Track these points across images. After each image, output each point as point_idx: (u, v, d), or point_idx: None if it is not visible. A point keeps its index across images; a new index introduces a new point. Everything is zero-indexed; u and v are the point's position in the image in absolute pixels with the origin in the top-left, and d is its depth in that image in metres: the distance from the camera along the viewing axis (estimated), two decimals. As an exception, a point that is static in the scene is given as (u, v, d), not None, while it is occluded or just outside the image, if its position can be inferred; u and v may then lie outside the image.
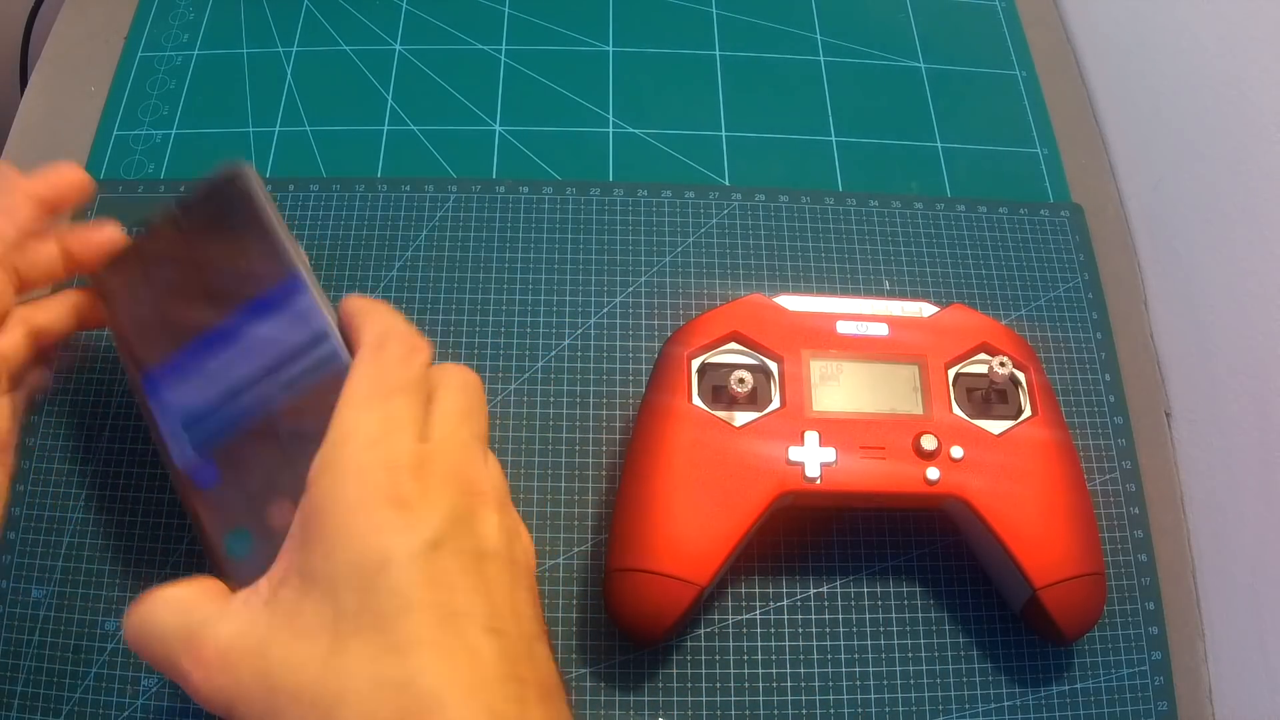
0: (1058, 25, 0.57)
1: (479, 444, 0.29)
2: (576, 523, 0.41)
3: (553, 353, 0.44)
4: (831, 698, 0.38)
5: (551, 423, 0.43)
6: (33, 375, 0.34)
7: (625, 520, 0.36)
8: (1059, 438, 0.38)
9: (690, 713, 0.38)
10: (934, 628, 0.40)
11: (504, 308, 0.45)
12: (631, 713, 0.38)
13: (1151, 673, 0.40)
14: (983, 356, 0.40)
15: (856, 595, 0.40)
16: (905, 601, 0.40)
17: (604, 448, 0.42)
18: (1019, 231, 0.49)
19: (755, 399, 0.38)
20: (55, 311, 0.34)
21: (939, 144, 0.52)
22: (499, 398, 0.43)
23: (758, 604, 0.40)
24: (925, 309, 0.40)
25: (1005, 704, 0.39)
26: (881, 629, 0.40)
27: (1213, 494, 0.43)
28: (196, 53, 0.52)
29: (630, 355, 0.44)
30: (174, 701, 0.36)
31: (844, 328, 0.39)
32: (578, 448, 0.42)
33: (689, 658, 0.39)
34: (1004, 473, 0.37)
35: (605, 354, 0.44)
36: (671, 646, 0.39)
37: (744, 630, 0.39)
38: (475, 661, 0.25)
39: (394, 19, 0.54)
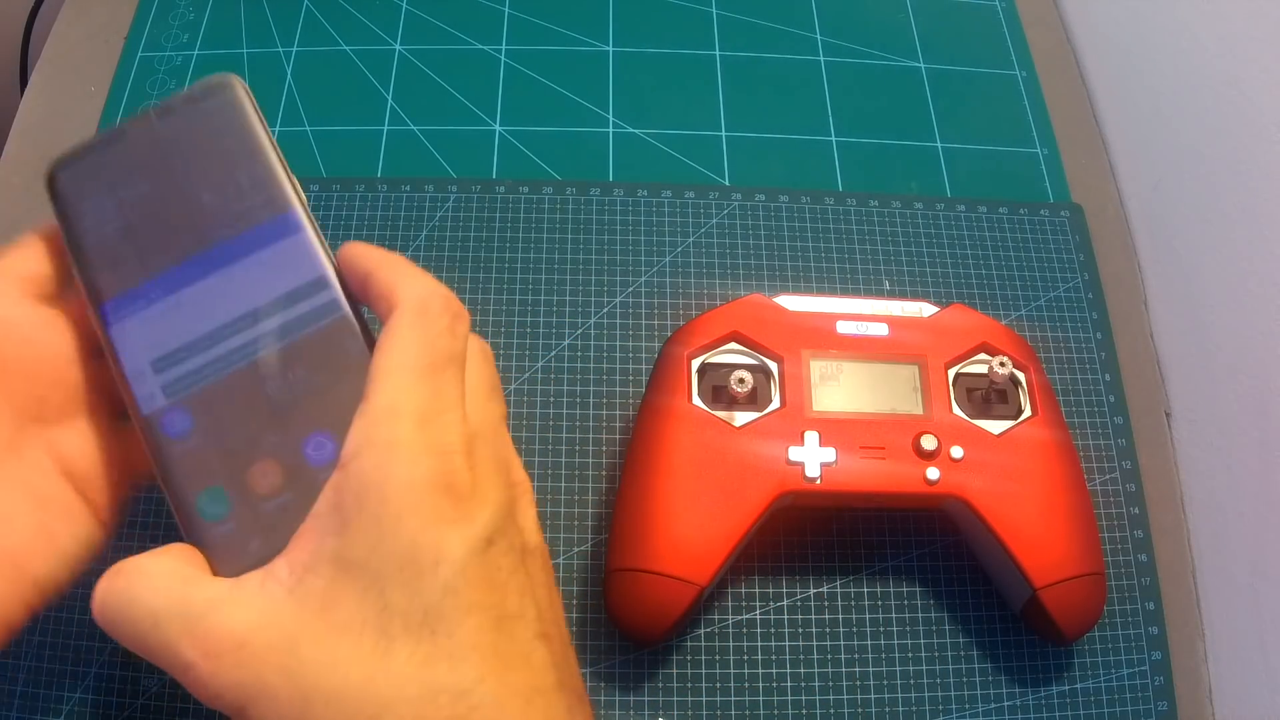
0: (1058, 25, 0.57)
1: (505, 424, 0.27)
2: (576, 523, 0.41)
3: (553, 353, 0.44)
4: (831, 698, 0.38)
5: (551, 423, 0.43)
6: None
7: (625, 520, 0.36)
8: (1059, 438, 0.38)
9: (690, 713, 0.38)
10: (934, 628, 0.40)
11: (504, 308, 0.45)
12: (631, 713, 0.38)
13: (1151, 673, 0.40)
14: (983, 356, 0.40)
15: (856, 595, 0.40)
16: (905, 601, 0.40)
17: (604, 448, 0.42)
18: (1019, 231, 0.49)
19: (755, 399, 0.38)
20: None
21: (939, 144, 0.52)
22: (499, 398, 0.43)
23: (758, 604, 0.40)
24: (925, 309, 0.40)
25: (1005, 704, 0.39)
26: (881, 629, 0.40)
27: (1213, 494, 0.43)
28: (196, 53, 0.52)
29: (630, 355, 0.44)
30: (175, 702, 0.36)
31: (844, 328, 0.39)
32: (578, 448, 0.42)
33: (689, 658, 0.39)
34: (1004, 473, 0.37)
35: (605, 354, 0.44)
36: (671, 646, 0.39)
37: (744, 630, 0.39)
38: (530, 670, 0.23)
39: (394, 19, 0.54)
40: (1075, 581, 0.36)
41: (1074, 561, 0.36)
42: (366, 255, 0.27)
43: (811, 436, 0.37)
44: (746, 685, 0.38)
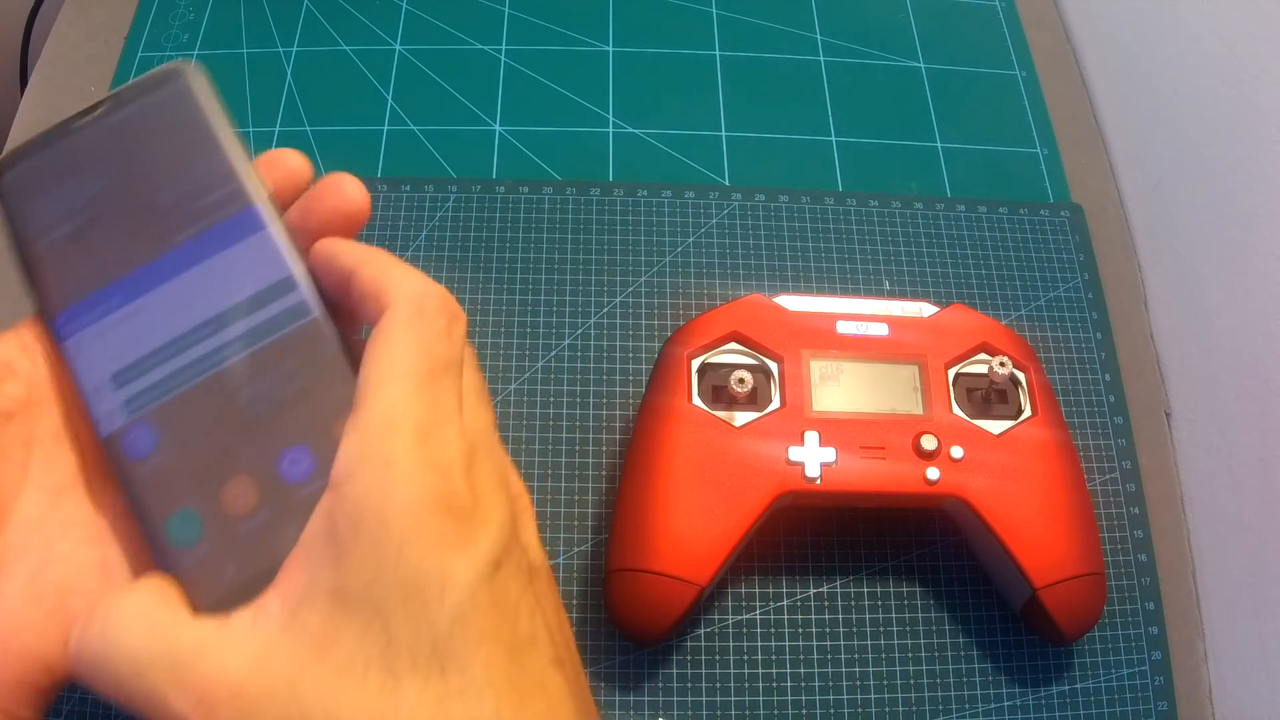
0: (1058, 25, 0.57)
1: (496, 430, 0.25)
2: (576, 523, 0.41)
3: (553, 353, 0.44)
4: (831, 698, 0.38)
5: (551, 423, 0.43)
6: None
7: (625, 520, 0.36)
8: (1059, 438, 0.38)
9: (690, 713, 0.38)
10: (934, 628, 0.40)
11: (504, 308, 0.45)
12: (631, 713, 0.38)
13: (1151, 673, 0.40)
14: (983, 356, 0.40)
15: (856, 595, 0.40)
16: (905, 601, 0.40)
17: (604, 448, 0.42)
18: (1019, 231, 0.49)
19: (755, 399, 0.38)
20: None
21: (939, 144, 0.52)
22: (499, 398, 0.43)
23: (758, 604, 0.40)
24: (925, 309, 0.40)
25: (1005, 704, 0.39)
26: (881, 629, 0.40)
27: (1213, 494, 0.43)
28: (196, 53, 0.52)
29: (630, 355, 0.44)
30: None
31: (844, 328, 0.39)
32: (578, 448, 0.42)
33: (689, 658, 0.39)
34: (1004, 473, 0.37)
35: (605, 354, 0.44)
36: (671, 646, 0.39)
37: (744, 630, 0.39)
38: (547, 699, 0.22)
39: (394, 19, 0.54)
40: (1075, 581, 0.36)
41: (1074, 561, 0.36)
42: (347, 251, 0.25)
43: (811, 436, 0.37)
44: (746, 685, 0.38)
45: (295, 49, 0.52)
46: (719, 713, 0.38)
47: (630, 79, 0.52)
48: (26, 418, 0.24)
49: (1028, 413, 0.39)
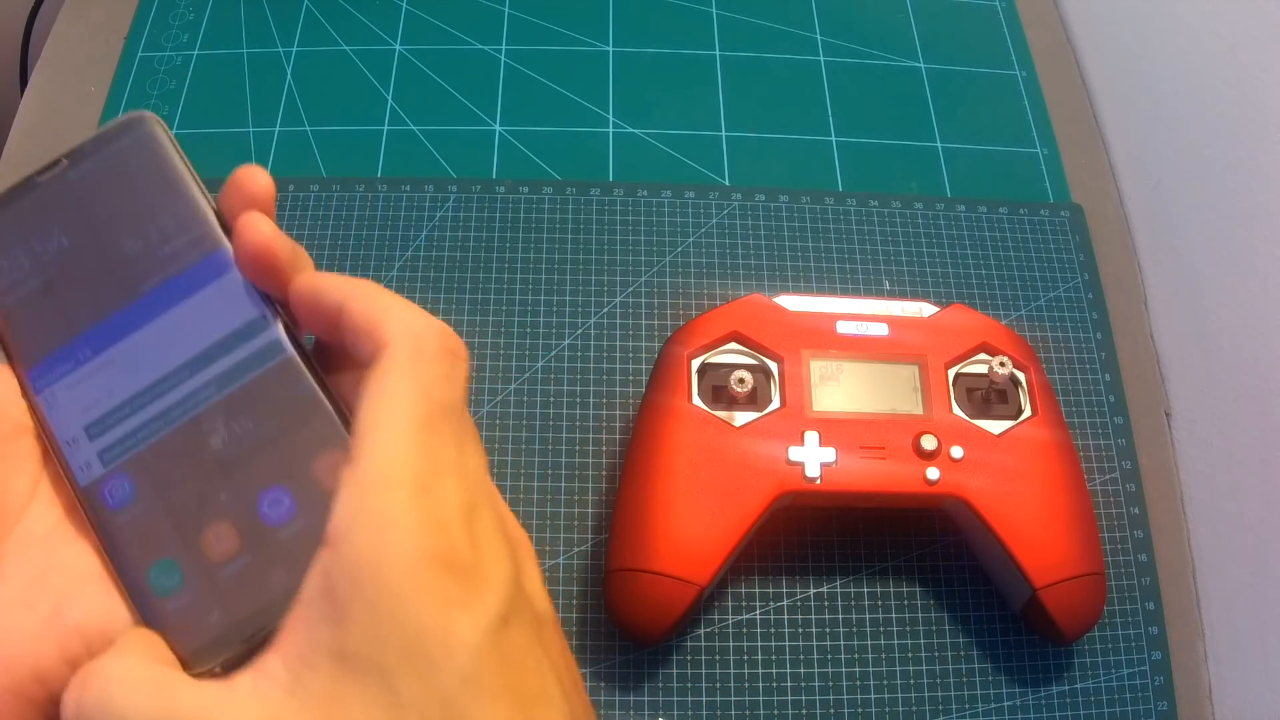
0: (1058, 25, 0.57)
1: (489, 472, 0.24)
2: (576, 523, 0.41)
3: (553, 353, 0.44)
4: (831, 698, 0.38)
5: (551, 423, 0.43)
6: None
7: (625, 520, 0.36)
8: (1059, 438, 0.38)
9: (690, 713, 0.38)
10: (934, 628, 0.40)
11: (504, 308, 0.45)
12: (631, 713, 0.38)
13: (1151, 673, 0.40)
14: (983, 356, 0.40)
15: (856, 595, 0.40)
16: (905, 601, 0.40)
17: (604, 448, 0.42)
18: (1019, 231, 0.49)
19: (755, 399, 0.38)
20: None
21: (939, 144, 0.52)
22: (499, 398, 0.43)
23: (758, 604, 0.40)
24: (925, 309, 0.40)
25: (1005, 704, 0.39)
26: (881, 629, 0.40)
27: (1213, 494, 0.43)
28: (196, 53, 0.52)
29: (630, 355, 0.44)
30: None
31: (844, 328, 0.39)
32: (578, 448, 0.42)
33: (689, 658, 0.39)
34: (1004, 473, 0.37)
35: (605, 354, 0.44)
36: (671, 646, 0.39)
37: (744, 630, 0.39)
38: None
39: (394, 19, 0.54)
40: (1075, 581, 0.36)
41: (1074, 561, 0.36)
42: (333, 285, 0.24)
43: (811, 436, 0.37)
44: (746, 685, 0.38)
45: (295, 49, 0.52)
46: (719, 713, 0.38)
47: (630, 79, 0.52)
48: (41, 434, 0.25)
49: (1028, 413, 0.39)
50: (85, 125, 0.50)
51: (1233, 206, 0.43)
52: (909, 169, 0.51)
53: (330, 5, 0.54)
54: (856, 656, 0.39)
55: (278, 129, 0.50)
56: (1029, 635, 0.40)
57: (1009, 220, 0.49)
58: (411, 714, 0.20)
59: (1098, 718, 0.39)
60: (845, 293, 0.46)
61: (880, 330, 0.39)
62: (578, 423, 0.43)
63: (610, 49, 0.54)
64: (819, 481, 0.36)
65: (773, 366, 0.39)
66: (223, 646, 0.23)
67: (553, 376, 0.44)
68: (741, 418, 0.37)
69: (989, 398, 0.39)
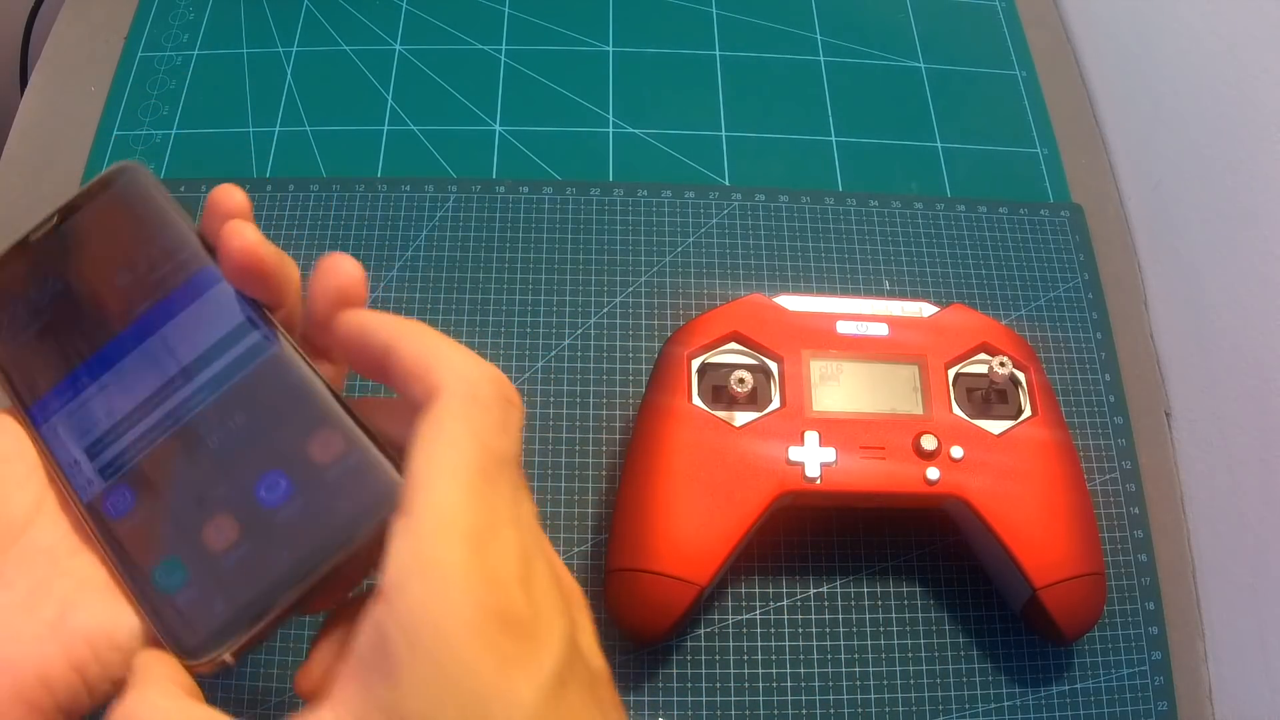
0: (1058, 25, 0.57)
1: (539, 520, 0.24)
2: (576, 523, 0.41)
3: (553, 353, 0.44)
4: (831, 698, 0.38)
5: (551, 423, 0.43)
6: None
7: (625, 520, 0.36)
8: (1059, 438, 0.38)
9: (690, 713, 0.38)
10: (934, 628, 0.40)
11: (504, 308, 0.45)
12: (631, 713, 0.38)
13: (1151, 673, 0.40)
14: (983, 356, 0.40)
15: (856, 595, 0.40)
16: (905, 601, 0.40)
17: (604, 448, 0.42)
18: (1019, 231, 0.49)
19: (755, 399, 0.38)
20: None
21: (939, 144, 0.52)
22: (499, 398, 0.43)
23: (758, 604, 0.40)
24: (925, 309, 0.40)
25: (1005, 704, 0.39)
26: (881, 629, 0.40)
27: (1213, 494, 0.43)
28: (196, 53, 0.52)
29: (630, 355, 0.44)
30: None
31: (844, 328, 0.39)
32: (578, 448, 0.42)
33: (689, 658, 0.39)
34: (1004, 473, 0.37)
35: (605, 354, 0.44)
36: (671, 646, 0.39)
37: (744, 630, 0.39)
38: None
39: (394, 19, 0.54)
40: (1075, 581, 0.36)
41: (1074, 561, 0.36)
42: (382, 325, 0.24)
43: (811, 436, 0.37)
44: (746, 685, 0.38)
45: (295, 49, 0.52)
46: (719, 713, 0.38)
47: (630, 79, 0.52)
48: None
49: (1028, 413, 0.39)
50: (85, 125, 0.50)
51: (1233, 206, 0.43)
52: (909, 169, 0.51)
53: (330, 5, 0.54)
54: (856, 656, 0.39)
55: (278, 129, 0.50)
56: (1029, 635, 0.40)
57: (1009, 220, 0.49)
58: None
59: (1098, 718, 0.39)
60: (845, 293, 0.46)
61: (880, 330, 0.39)
62: (578, 423, 0.43)
63: (610, 49, 0.54)
64: (819, 481, 0.36)
65: (773, 366, 0.39)
66: (230, 632, 0.23)
67: (553, 376, 0.44)
68: (741, 418, 0.37)
69: (989, 398, 0.39)
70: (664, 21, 0.55)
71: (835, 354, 0.39)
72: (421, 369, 0.23)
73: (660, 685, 0.38)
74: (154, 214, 0.28)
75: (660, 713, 0.38)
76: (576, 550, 0.40)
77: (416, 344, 0.23)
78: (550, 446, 0.42)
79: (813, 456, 0.37)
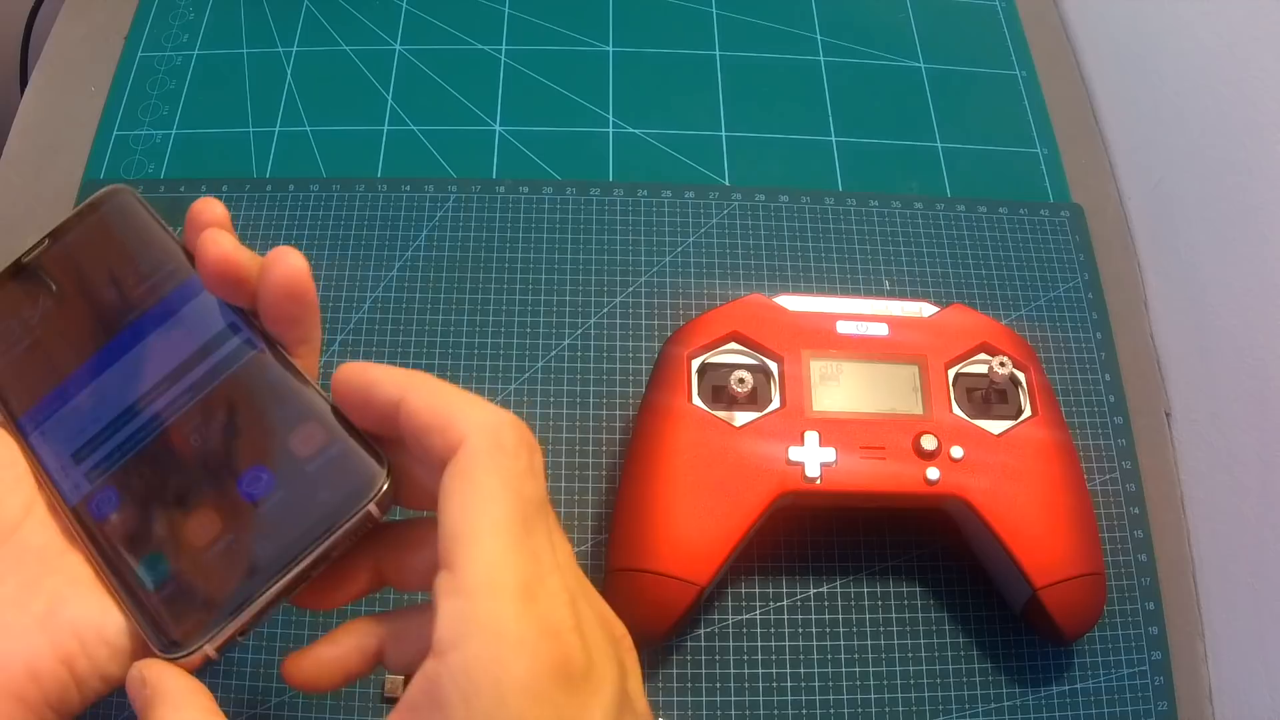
0: (1058, 25, 0.57)
1: (573, 552, 0.24)
2: (576, 523, 0.41)
3: (553, 353, 0.44)
4: (831, 698, 0.38)
5: (551, 423, 0.43)
6: None
7: (625, 520, 0.36)
8: (1059, 438, 0.38)
9: (690, 713, 0.38)
10: (934, 628, 0.40)
11: (504, 308, 0.45)
12: (631, 713, 0.38)
13: (1151, 673, 0.40)
14: (983, 356, 0.40)
15: (856, 595, 0.40)
16: (905, 601, 0.40)
17: (604, 448, 0.42)
18: (1019, 231, 0.49)
19: (755, 399, 0.38)
20: None
21: (939, 144, 0.52)
22: (499, 398, 0.43)
23: (758, 604, 0.40)
24: (925, 309, 0.40)
25: (1005, 704, 0.39)
26: (881, 629, 0.40)
27: (1213, 494, 0.43)
28: (196, 53, 0.52)
29: (630, 355, 0.44)
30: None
31: (844, 328, 0.39)
32: (578, 448, 0.42)
33: (689, 658, 0.39)
34: (1004, 473, 0.37)
35: (605, 354, 0.44)
36: (671, 646, 0.39)
37: (744, 630, 0.39)
38: None
39: (394, 19, 0.54)
40: (1075, 581, 0.36)
41: (1074, 561, 0.36)
42: (389, 379, 0.24)
43: (811, 436, 0.37)
44: (746, 685, 0.38)
45: (295, 49, 0.52)
46: (719, 713, 0.38)
47: (630, 79, 0.52)
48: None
49: (1028, 413, 0.39)
50: (85, 125, 0.50)
51: (1233, 206, 0.43)
52: (909, 169, 0.51)
53: (330, 5, 0.54)
54: (856, 656, 0.39)
55: (278, 129, 0.50)
56: (1029, 635, 0.40)
57: (1009, 220, 0.49)
58: None
59: (1098, 718, 0.39)
60: (845, 293, 0.46)
61: (880, 330, 0.39)
62: (578, 423, 0.43)
63: (610, 49, 0.54)
64: (819, 481, 0.36)
65: (773, 366, 0.39)
66: (212, 626, 0.24)
67: (553, 376, 0.44)
68: (741, 418, 0.37)
69: (989, 398, 0.39)
70: (664, 21, 0.55)
71: (835, 354, 0.39)
72: (440, 421, 0.22)
73: (660, 685, 0.38)
74: (140, 232, 0.29)
75: (660, 713, 0.38)
76: (576, 550, 0.40)
77: (429, 396, 0.23)
78: (550, 446, 0.42)
79: (813, 456, 0.37)
